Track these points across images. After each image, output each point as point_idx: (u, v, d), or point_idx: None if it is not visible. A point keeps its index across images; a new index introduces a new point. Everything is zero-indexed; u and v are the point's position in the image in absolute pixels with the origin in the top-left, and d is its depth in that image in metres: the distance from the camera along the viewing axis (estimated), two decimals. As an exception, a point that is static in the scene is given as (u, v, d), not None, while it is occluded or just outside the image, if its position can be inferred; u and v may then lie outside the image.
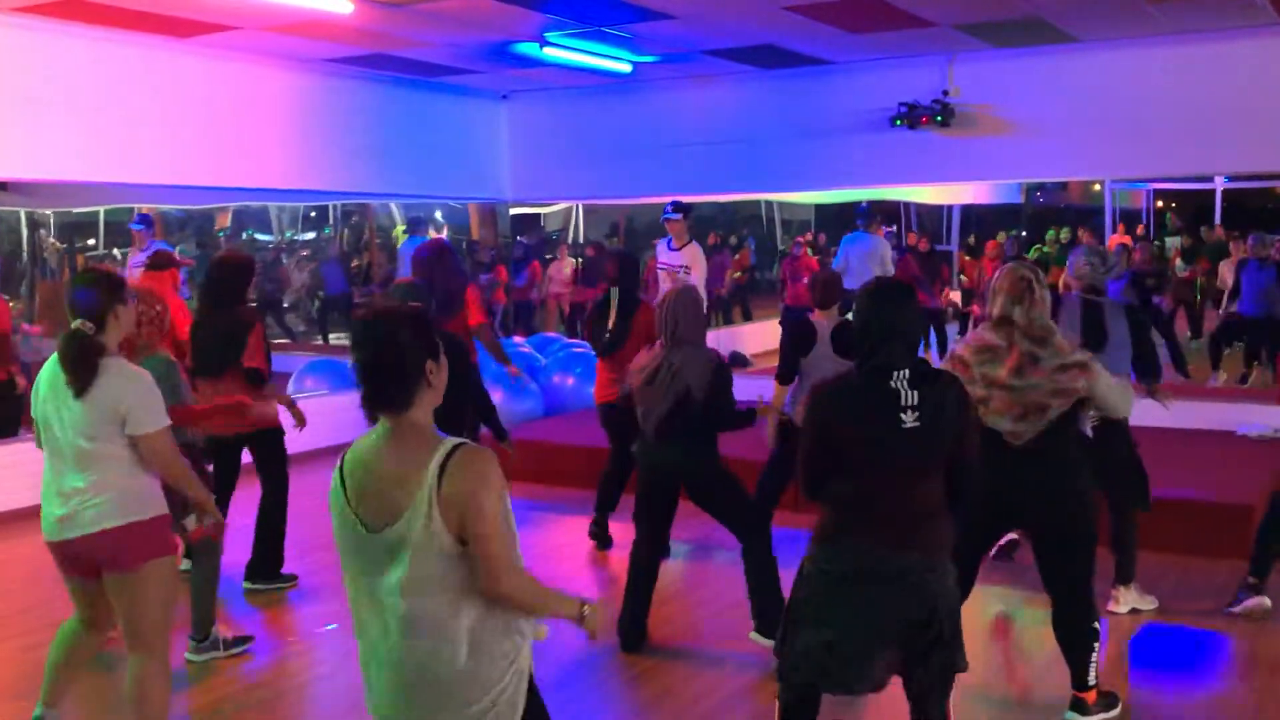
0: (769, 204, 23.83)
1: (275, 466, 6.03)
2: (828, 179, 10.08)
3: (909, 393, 3.13)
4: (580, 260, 16.87)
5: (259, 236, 23.03)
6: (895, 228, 15.72)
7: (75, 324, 3.73)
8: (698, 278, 8.52)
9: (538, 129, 11.30)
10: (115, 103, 8.14)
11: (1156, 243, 19.19)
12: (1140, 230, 20.34)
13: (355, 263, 17.80)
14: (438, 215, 21.31)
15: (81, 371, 3.67)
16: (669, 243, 8.77)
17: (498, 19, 7.88)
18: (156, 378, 3.84)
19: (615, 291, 6.81)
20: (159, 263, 6.80)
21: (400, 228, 16.22)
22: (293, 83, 9.45)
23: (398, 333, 2.39)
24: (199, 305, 5.95)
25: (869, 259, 10.53)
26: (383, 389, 2.37)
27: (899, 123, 9.33)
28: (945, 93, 9.26)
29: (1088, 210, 24.42)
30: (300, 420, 5.91)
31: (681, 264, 8.60)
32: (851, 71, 9.71)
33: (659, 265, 8.92)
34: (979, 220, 22.66)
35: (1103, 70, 8.91)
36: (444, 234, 19.70)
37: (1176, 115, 8.66)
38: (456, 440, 2.37)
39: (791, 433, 6.11)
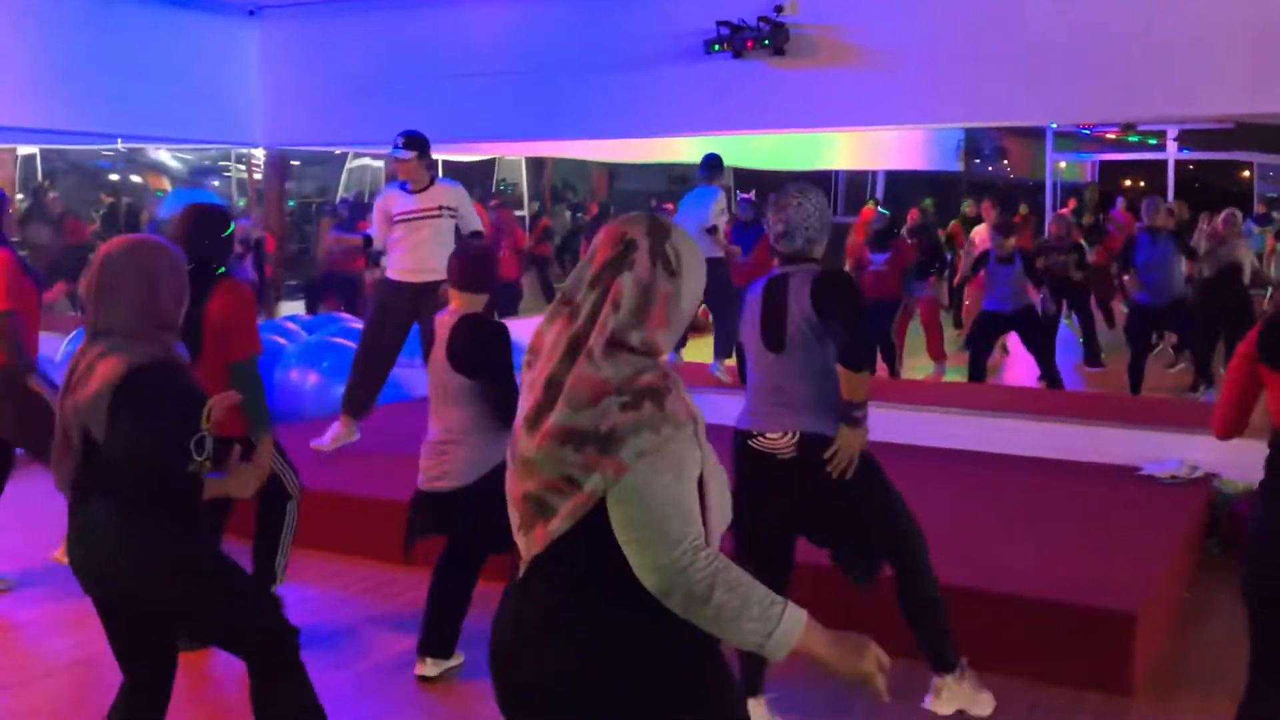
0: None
1: None
2: (627, 124, 7.76)
3: None
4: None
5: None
6: (753, 193, 13.10)
7: None
8: (479, 224, 6.68)
9: (296, 56, 8.95)
10: None
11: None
12: (1072, 204, 18.15)
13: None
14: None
15: None
16: (403, 186, 6.50)
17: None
18: None
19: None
20: None
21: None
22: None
23: None
24: None
25: (700, 219, 8.22)
26: None
27: (717, 48, 7.06)
28: (778, 9, 6.98)
29: (1031, 185, 22.15)
30: None
31: (438, 205, 6.42)
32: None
33: (397, 217, 6.54)
34: (907, 189, 20.33)
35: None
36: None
37: (1094, 43, 6.41)
38: None
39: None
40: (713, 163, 8.53)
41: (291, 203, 16.82)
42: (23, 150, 16.48)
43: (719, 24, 7.03)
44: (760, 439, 3.69)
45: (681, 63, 7.25)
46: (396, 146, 6.38)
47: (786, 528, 3.80)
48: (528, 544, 1.99)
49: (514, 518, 2.02)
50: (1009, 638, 4.32)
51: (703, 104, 7.31)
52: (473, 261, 4.15)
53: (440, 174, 18.21)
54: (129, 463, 2.74)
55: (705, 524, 1.95)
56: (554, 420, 1.90)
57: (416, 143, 6.39)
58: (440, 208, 6.46)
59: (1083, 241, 11.46)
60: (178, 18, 8.51)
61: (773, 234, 3.75)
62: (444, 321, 4.14)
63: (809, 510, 3.70)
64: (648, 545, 1.87)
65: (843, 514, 3.70)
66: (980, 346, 9.11)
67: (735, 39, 7.02)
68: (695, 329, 11.03)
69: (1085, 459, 6.47)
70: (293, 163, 17.49)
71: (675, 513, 1.88)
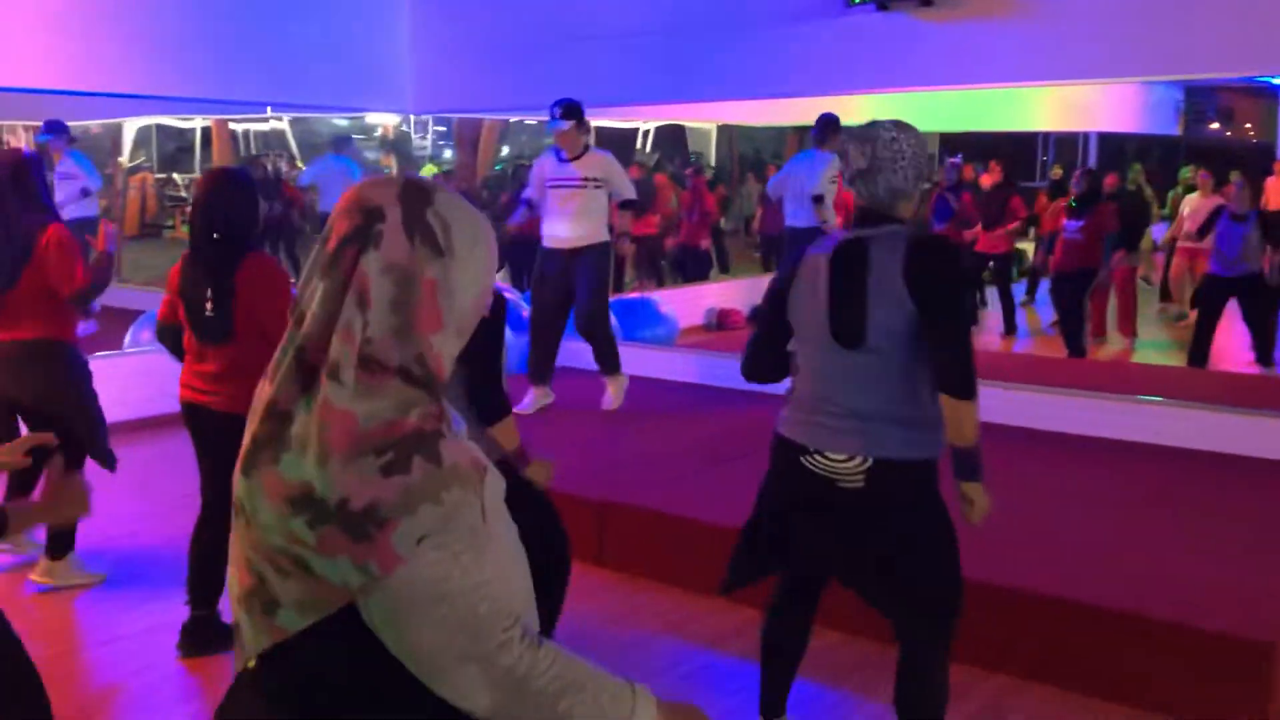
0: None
1: None
2: (764, 84, 7.22)
3: None
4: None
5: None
6: (960, 157, 12.42)
7: None
8: (631, 192, 6.94)
9: (446, 22, 8.86)
10: None
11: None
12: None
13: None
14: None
15: None
16: (559, 154, 6.80)
17: None
18: None
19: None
20: None
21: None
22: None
23: None
24: None
25: (803, 184, 8.10)
26: None
27: (859, 1, 6.56)
28: (926, -43, 6.43)
29: (1259, 148, 20.18)
30: None
31: (583, 176, 6.69)
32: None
33: (549, 184, 6.87)
34: (1121, 153, 18.85)
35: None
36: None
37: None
38: None
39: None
40: (828, 123, 8.05)
41: (499, 166, 16.82)
42: (255, 126, 16.55)
43: (861, -27, 6.53)
44: (817, 458, 2.92)
45: (822, 18, 6.77)
46: (554, 117, 6.61)
47: (836, 567, 3.09)
48: (252, 628, 1.44)
49: (232, 582, 1.49)
50: (1121, 660, 3.80)
51: (845, 61, 6.80)
52: None
53: (646, 142, 17.91)
54: None
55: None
56: (283, 472, 1.36)
57: (573, 111, 6.60)
58: (584, 179, 6.71)
59: None
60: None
61: (848, 173, 2.86)
62: None
63: (869, 550, 2.95)
64: (460, 655, 1.35)
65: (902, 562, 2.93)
66: (1207, 317, 8.38)
67: (879, -10, 6.50)
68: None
69: (1251, 453, 5.75)
70: (511, 121, 17.38)
71: (488, 606, 1.37)
